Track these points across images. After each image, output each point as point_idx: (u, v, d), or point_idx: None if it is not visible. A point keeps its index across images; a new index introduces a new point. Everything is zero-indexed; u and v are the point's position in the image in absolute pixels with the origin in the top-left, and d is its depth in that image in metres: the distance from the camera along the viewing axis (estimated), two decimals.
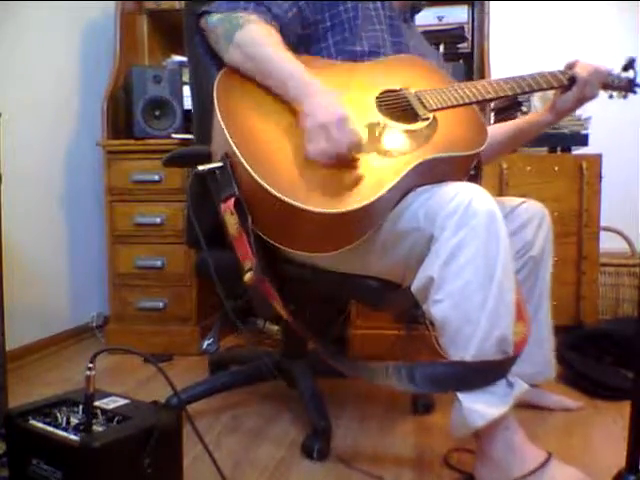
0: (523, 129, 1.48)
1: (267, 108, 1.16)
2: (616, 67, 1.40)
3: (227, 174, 1.11)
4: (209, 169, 1.13)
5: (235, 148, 1.08)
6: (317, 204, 1.04)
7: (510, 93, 1.31)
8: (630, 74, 1.41)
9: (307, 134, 1.10)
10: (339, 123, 1.07)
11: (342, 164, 1.09)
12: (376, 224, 1.12)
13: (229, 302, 1.23)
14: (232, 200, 1.10)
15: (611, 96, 1.44)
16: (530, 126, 1.47)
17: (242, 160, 1.06)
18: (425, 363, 1.07)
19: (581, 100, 1.35)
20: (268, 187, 1.04)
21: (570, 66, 1.35)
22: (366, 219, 1.10)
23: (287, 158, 1.10)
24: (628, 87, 1.42)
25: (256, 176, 1.05)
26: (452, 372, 1.05)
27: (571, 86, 1.33)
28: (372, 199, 1.05)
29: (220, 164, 1.12)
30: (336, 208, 1.04)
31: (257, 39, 1.19)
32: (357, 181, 1.09)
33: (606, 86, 1.40)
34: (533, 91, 1.36)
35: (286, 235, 1.12)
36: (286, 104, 1.17)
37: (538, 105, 2.00)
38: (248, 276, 1.12)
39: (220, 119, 1.12)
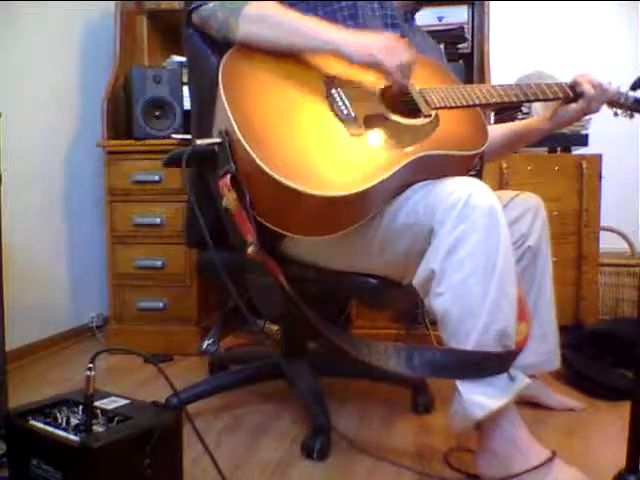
0: (521, 134, 1.48)
1: (272, 88, 1.16)
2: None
3: (225, 151, 1.10)
4: (208, 144, 1.12)
5: (235, 125, 1.07)
6: (312, 186, 1.03)
7: (514, 100, 1.31)
8: (638, 94, 1.39)
9: (376, 59, 1.15)
10: (389, 48, 1.15)
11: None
12: (368, 214, 1.12)
13: (232, 300, 1.22)
14: (228, 177, 1.10)
15: (616, 114, 1.42)
16: (528, 132, 1.47)
17: (240, 137, 1.06)
18: (425, 348, 1.07)
19: (584, 114, 1.35)
20: (262, 165, 1.03)
21: (577, 80, 1.33)
22: (359, 206, 1.10)
23: (287, 139, 1.10)
24: (635, 107, 1.41)
25: (252, 153, 1.04)
26: (451, 359, 1.05)
27: (576, 99, 1.33)
28: (366, 186, 1.05)
29: (219, 140, 1.11)
30: (329, 191, 1.03)
31: (270, 5, 1.20)
32: (354, 167, 1.08)
33: (613, 104, 1.39)
34: (537, 100, 1.36)
35: (280, 216, 1.11)
36: (292, 85, 1.17)
37: (539, 108, 1.99)
38: (251, 249, 1.12)
39: (223, 96, 1.11)
